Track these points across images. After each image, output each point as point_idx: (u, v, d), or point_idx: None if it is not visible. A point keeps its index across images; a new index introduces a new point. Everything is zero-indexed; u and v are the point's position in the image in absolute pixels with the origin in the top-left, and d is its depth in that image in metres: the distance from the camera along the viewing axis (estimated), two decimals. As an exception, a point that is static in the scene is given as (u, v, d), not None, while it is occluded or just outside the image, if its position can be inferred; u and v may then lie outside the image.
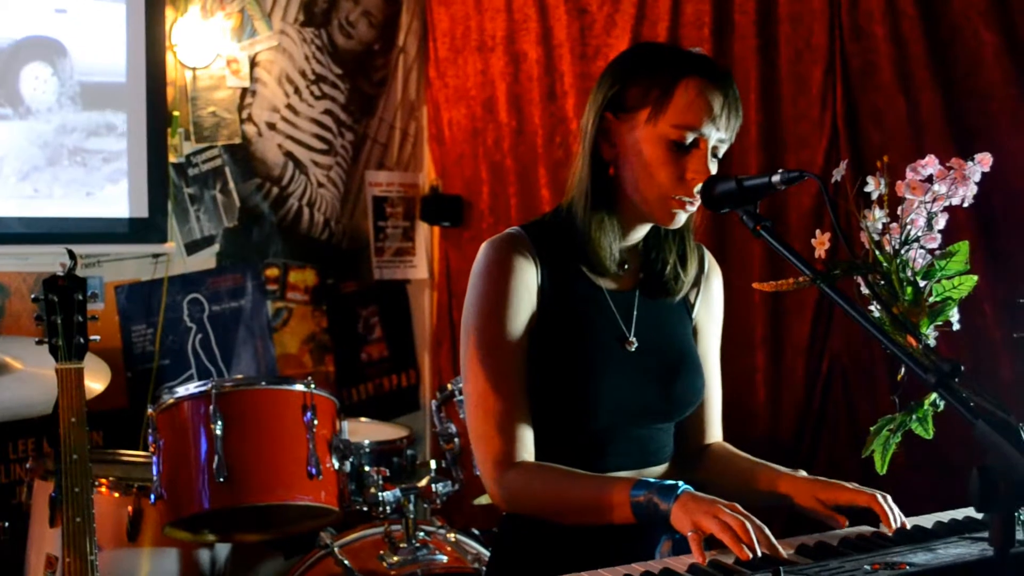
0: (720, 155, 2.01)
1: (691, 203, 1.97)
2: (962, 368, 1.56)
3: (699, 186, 1.94)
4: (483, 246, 2.06)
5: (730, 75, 2.02)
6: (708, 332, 2.23)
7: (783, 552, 1.69)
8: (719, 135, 1.97)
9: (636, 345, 2.07)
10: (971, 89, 3.41)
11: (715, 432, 2.25)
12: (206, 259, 4.51)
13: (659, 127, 1.96)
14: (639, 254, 2.14)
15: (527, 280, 2.02)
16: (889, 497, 1.92)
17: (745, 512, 1.72)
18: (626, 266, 2.11)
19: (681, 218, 2.01)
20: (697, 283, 2.20)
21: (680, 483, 1.81)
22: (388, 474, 3.28)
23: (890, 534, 1.84)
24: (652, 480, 1.85)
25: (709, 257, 2.24)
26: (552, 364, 2.01)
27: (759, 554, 1.65)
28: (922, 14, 3.47)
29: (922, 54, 3.47)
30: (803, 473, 2.02)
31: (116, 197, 4.24)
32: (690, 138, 1.95)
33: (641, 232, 2.11)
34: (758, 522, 1.71)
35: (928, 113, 3.47)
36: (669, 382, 2.07)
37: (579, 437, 2.03)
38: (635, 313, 2.10)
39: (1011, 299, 3.20)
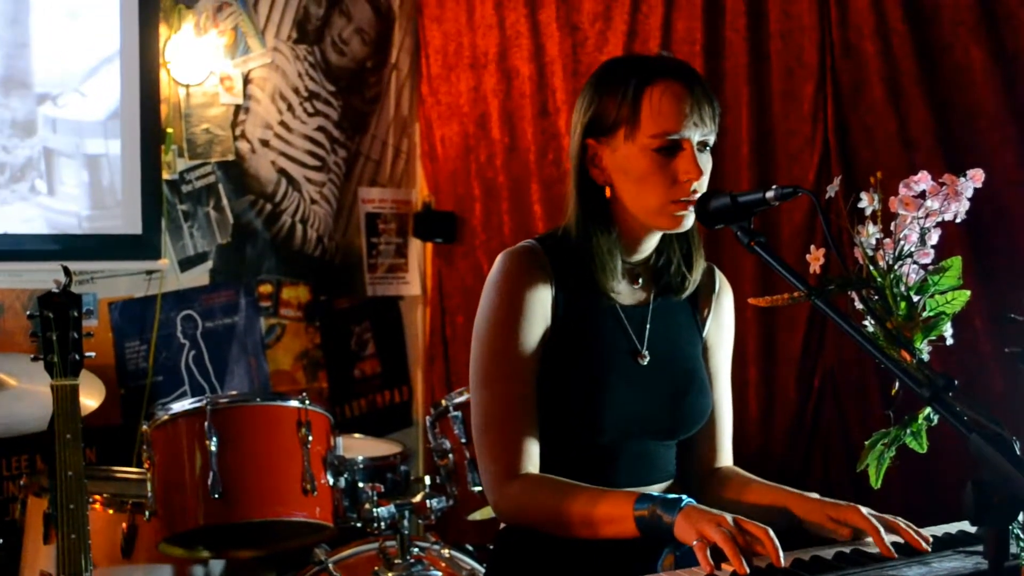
0: (710, 145, 2.01)
1: (691, 202, 1.96)
2: (956, 382, 1.58)
3: (695, 184, 1.95)
4: (500, 257, 2.05)
5: (692, 70, 2.01)
6: (719, 352, 2.22)
7: (784, 562, 1.69)
8: (700, 131, 1.97)
9: (648, 359, 2.07)
10: (961, 105, 3.42)
11: (725, 455, 2.23)
12: (199, 275, 4.50)
13: (638, 141, 1.96)
14: (651, 266, 2.14)
15: (541, 293, 2.01)
16: (901, 522, 1.87)
17: (753, 522, 1.72)
18: (640, 279, 2.11)
19: (689, 220, 2.00)
20: (708, 300, 2.19)
21: (683, 496, 1.81)
22: (383, 490, 3.28)
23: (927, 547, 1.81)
24: (655, 494, 1.85)
25: (720, 276, 2.22)
26: (562, 377, 2.01)
27: (754, 567, 1.66)
28: (912, 31, 3.49)
29: (912, 71, 3.49)
30: (815, 495, 2.00)
31: (110, 214, 4.24)
32: (671, 142, 1.95)
33: (649, 244, 2.10)
34: (761, 525, 1.71)
35: (918, 129, 3.49)
36: (677, 399, 2.07)
37: (585, 452, 2.03)
38: (648, 327, 2.09)
39: (1001, 313, 3.21)
